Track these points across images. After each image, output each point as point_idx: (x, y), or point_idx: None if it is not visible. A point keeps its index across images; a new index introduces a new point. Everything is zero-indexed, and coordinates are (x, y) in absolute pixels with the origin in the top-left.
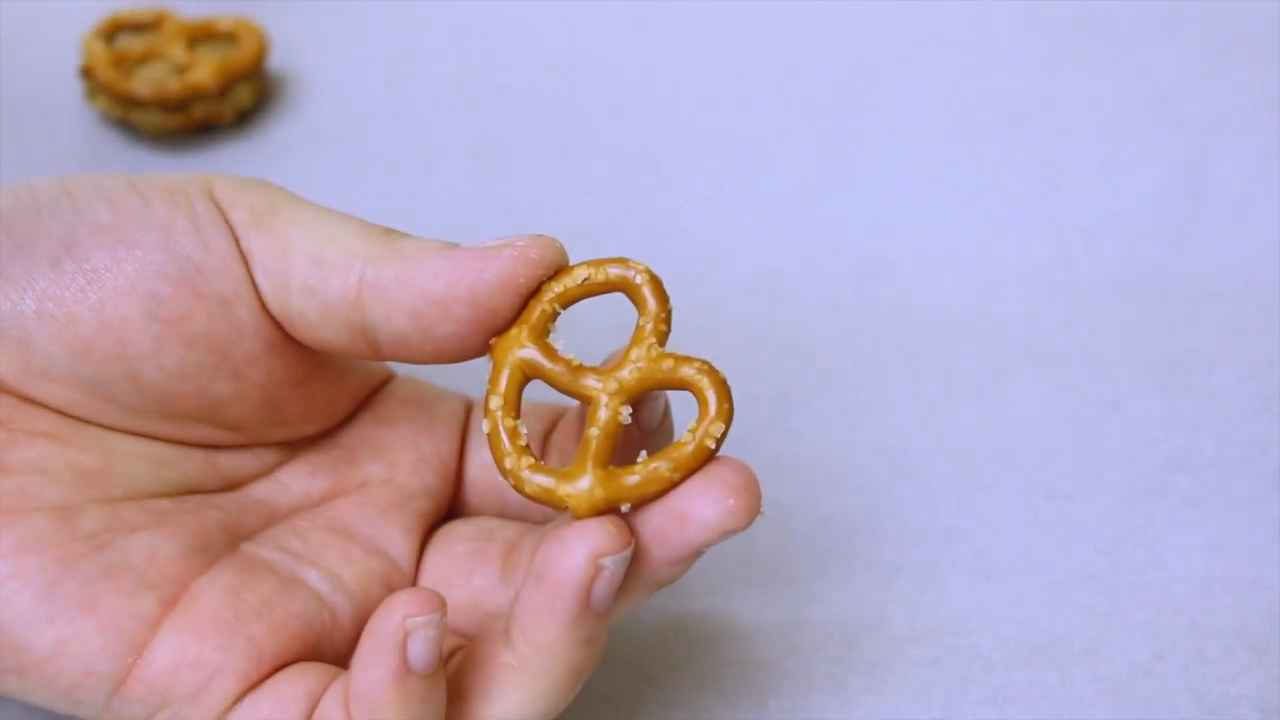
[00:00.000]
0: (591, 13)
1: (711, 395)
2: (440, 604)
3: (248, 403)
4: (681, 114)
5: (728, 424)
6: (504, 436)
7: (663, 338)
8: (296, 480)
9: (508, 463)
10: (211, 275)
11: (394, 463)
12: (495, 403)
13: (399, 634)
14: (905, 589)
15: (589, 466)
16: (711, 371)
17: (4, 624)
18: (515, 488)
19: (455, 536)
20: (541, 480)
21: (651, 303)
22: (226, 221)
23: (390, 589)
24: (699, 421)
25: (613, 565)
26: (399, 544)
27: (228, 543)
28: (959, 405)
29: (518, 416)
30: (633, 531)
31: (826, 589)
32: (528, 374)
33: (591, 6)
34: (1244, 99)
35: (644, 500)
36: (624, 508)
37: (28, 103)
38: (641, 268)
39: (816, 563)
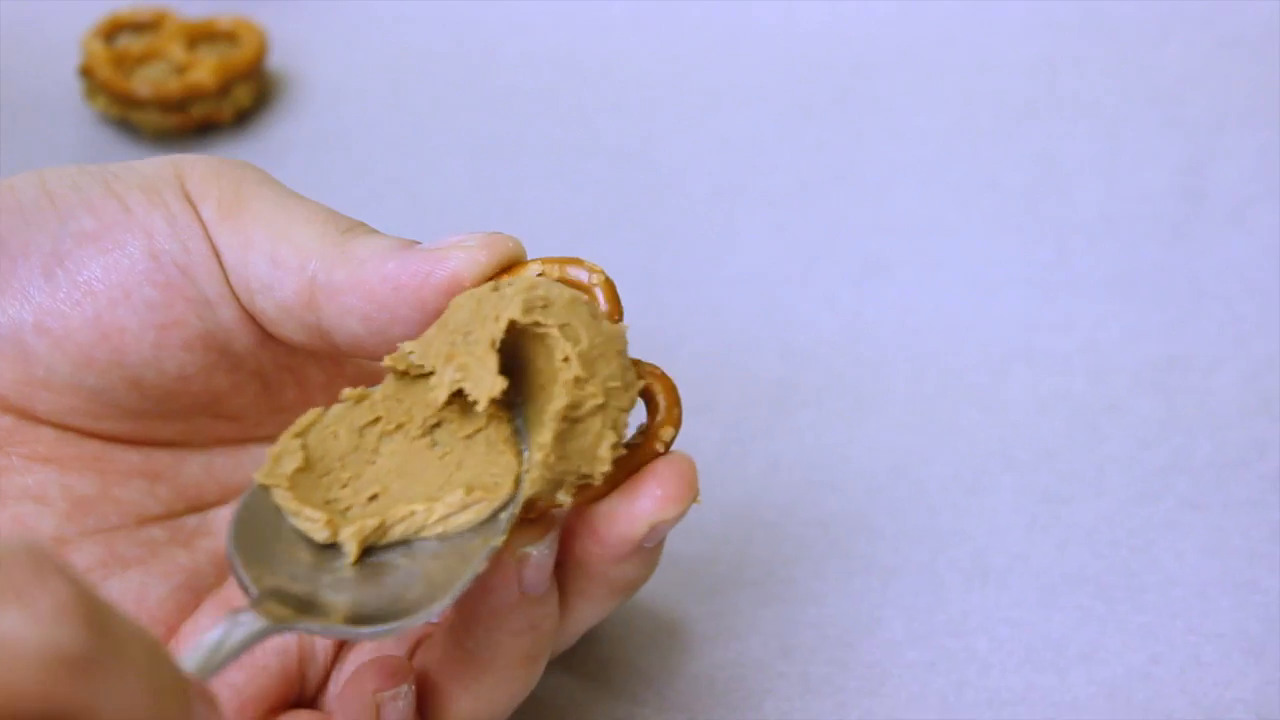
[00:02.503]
0: (591, 12)
1: (661, 400)
2: (408, 673)
3: (246, 392)
4: (681, 114)
5: (677, 428)
6: None
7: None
8: None
9: None
10: (195, 278)
11: None
12: None
13: (370, 710)
14: (902, 591)
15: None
16: (662, 376)
17: None
18: None
19: None
20: None
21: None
22: (199, 218)
23: None
24: (648, 424)
25: (536, 551)
26: None
27: (218, 575)
28: (957, 406)
29: None
30: (571, 528)
31: (823, 590)
32: None
33: (591, 6)
34: (1244, 99)
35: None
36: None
37: (27, 102)
38: (598, 271)
39: (813, 564)
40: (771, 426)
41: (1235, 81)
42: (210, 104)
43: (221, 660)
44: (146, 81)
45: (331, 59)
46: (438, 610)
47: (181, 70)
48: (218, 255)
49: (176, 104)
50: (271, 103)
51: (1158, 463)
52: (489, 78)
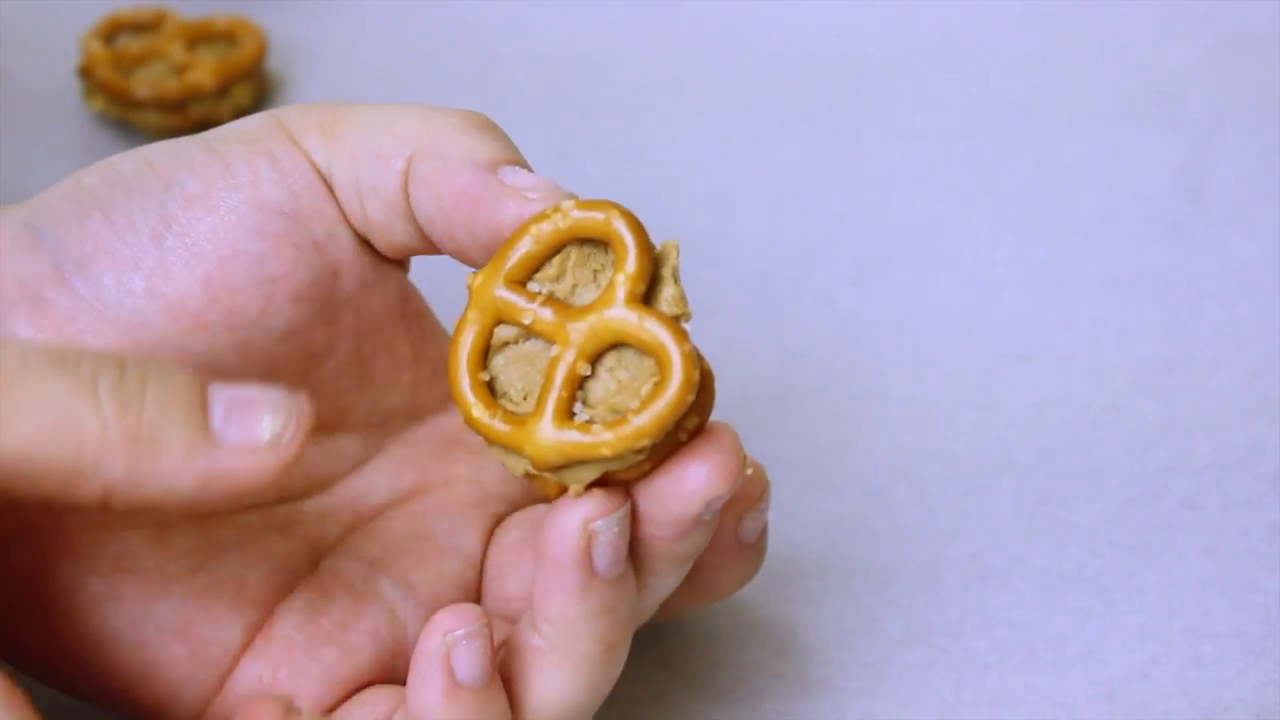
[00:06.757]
0: (591, 12)
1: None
2: (479, 615)
3: (339, 352)
4: (681, 114)
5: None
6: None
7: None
8: (383, 479)
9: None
10: (305, 221)
11: (484, 466)
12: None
13: (442, 651)
14: (900, 591)
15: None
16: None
17: (98, 644)
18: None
19: (509, 525)
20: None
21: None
22: (304, 153)
23: (460, 587)
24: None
25: (605, 528)
26: (471, 541)
27: (310, 561)
28: (955, 407)
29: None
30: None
31: (821, 591)
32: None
33: (591, 6)
34: (1244, 99)
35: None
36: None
37: (26, 102)
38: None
39: (812, 564)
40: (769, 427)
41: (1235, 81)
42: (209, 104)
43: None
44: (146, 82)
45: (331, 59)
46: None
47: (181, 70)
48: (328, 184)
49: (175, 104)
50: (271, 103)
51: (1157, 463)
52: (489, 78)
